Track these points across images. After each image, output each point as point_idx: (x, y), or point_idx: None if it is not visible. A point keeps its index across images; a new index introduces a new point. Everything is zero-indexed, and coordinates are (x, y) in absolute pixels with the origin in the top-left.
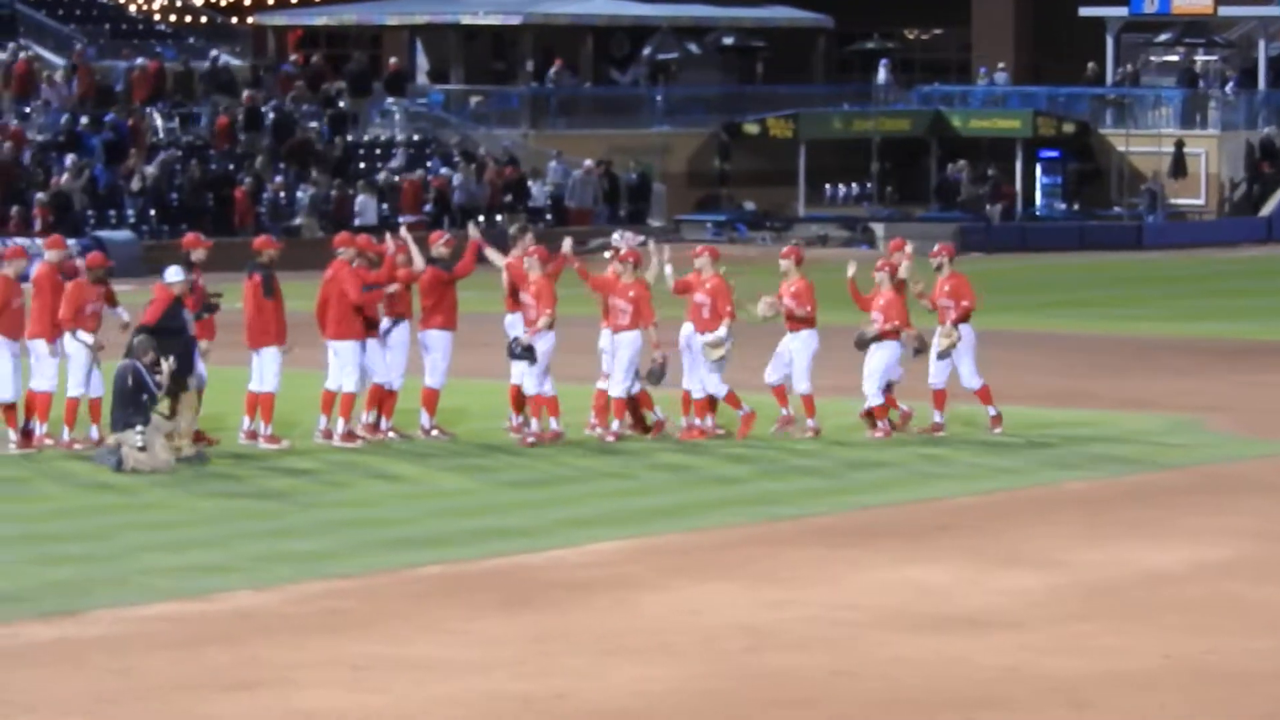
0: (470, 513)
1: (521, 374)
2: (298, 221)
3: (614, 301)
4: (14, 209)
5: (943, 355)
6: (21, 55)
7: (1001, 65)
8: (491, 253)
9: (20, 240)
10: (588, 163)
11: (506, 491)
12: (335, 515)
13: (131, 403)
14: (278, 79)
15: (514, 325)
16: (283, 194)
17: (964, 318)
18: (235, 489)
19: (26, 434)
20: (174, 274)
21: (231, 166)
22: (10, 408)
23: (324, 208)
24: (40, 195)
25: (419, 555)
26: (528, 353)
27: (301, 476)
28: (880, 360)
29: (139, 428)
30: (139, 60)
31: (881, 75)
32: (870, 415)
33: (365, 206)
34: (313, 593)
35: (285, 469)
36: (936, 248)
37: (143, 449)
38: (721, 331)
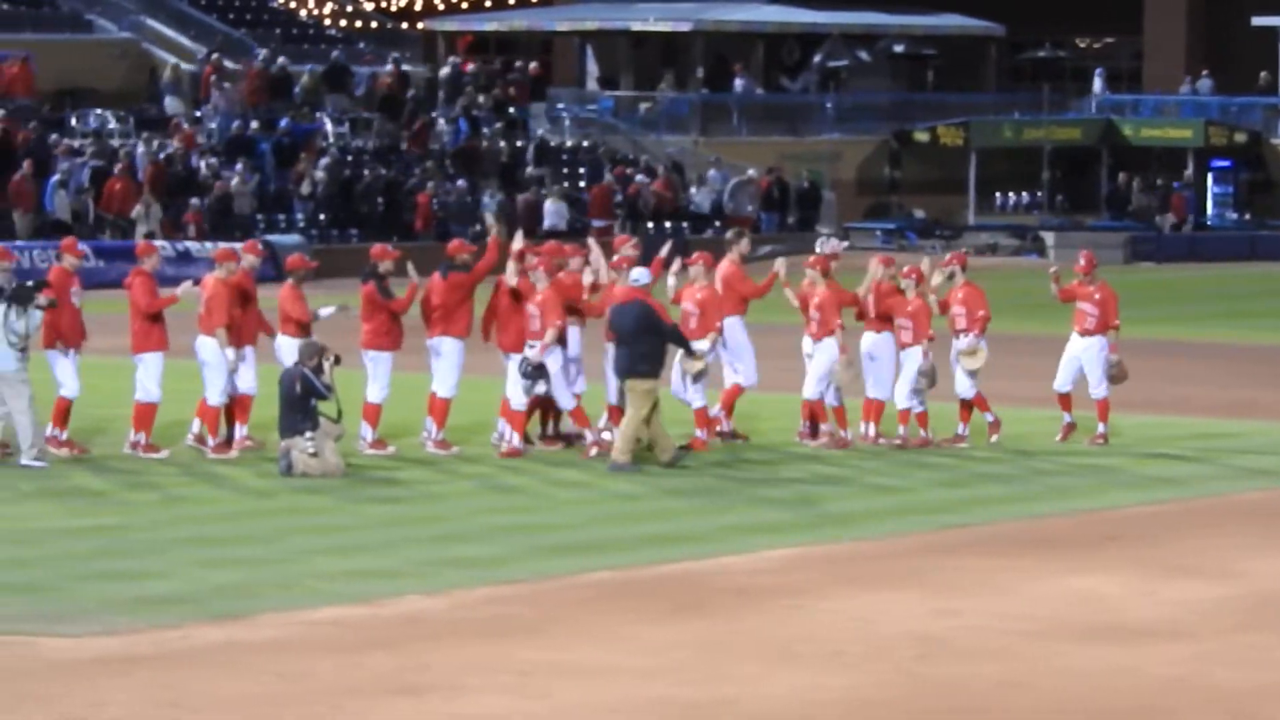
0: (637, 518)
1: (513, 387)
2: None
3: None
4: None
5: (974, 374)
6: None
7: (1205, 73)
8: (595, 256)
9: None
10: (751, 171)
11: (672, 498)
12: (501, 520)
13: (300, 408)
14: (448, 83)
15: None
16: (468, 198)
17: (982, 330)
18: (400, 494)
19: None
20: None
21: (401, 171)
22: (219, 410)
23: (510, 212)
24: (194, 200)
25: (586, 561)
26: (538, 372)
27: (464, 481)
28: (821, 362)
29: (309, 433)
30: (309, 65)
31: (1097, 85)
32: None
33: (555, 211)
34: (479, 598)
35: (449, 473)
36: (949, 256)
37: (314, 454)
38: (704, 344)
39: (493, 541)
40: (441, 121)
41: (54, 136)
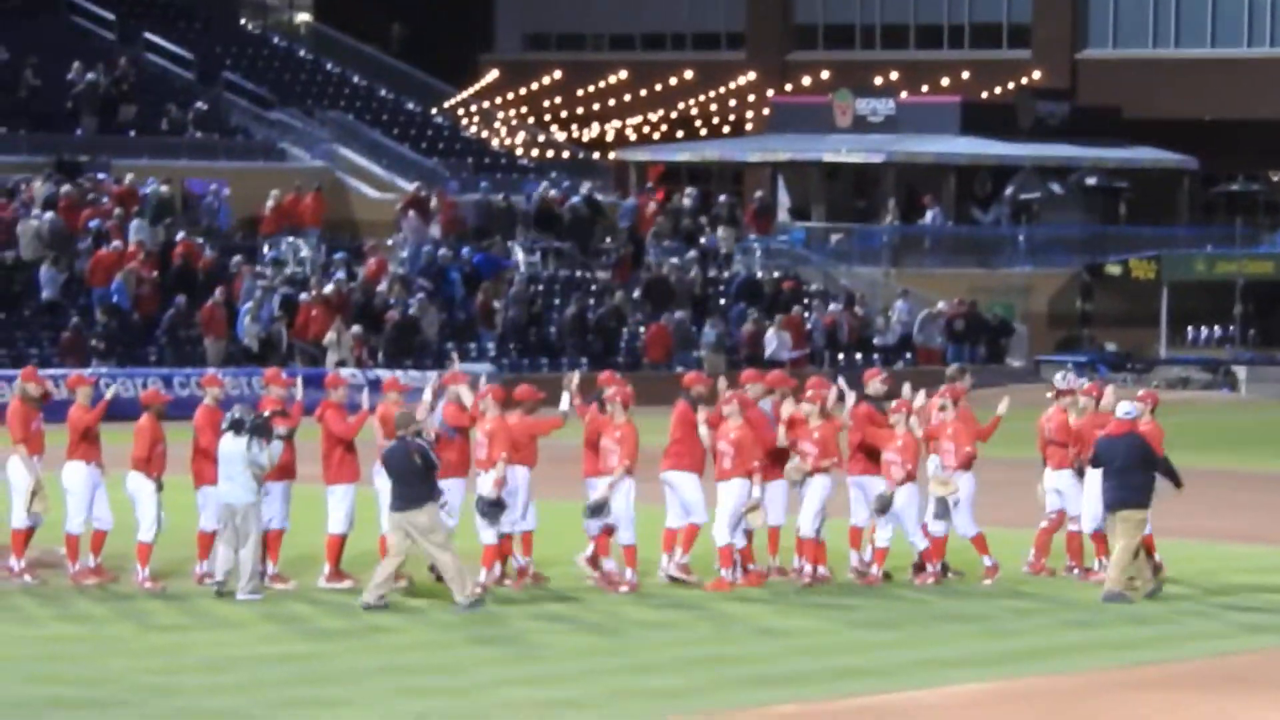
0: (823, 651)
1: (482, 528)
2: (699, 354)
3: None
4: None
5: (940, 504)
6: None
7: None
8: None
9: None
10: (940, 304)
11: (858, 631)
12: (689, 653)
13: (423, 478)
14: (640, 214)
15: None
16: (693, 328)
17: (966, 465)
18: (589, 622)
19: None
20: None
21: (589, 300)
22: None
23: (728, 342)
24: (356, 328)
25: (775, 694)
26: (494, 509)
27: (648, 609)
28: (815, 496)
29: (443, 501)
30: (500, 194)
31: None
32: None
33: (777, 340)
34: None
35: (630, 602)
36: (943, 389)
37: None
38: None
39: (680, 672)
40: (638, 252)
41: (237, 261)
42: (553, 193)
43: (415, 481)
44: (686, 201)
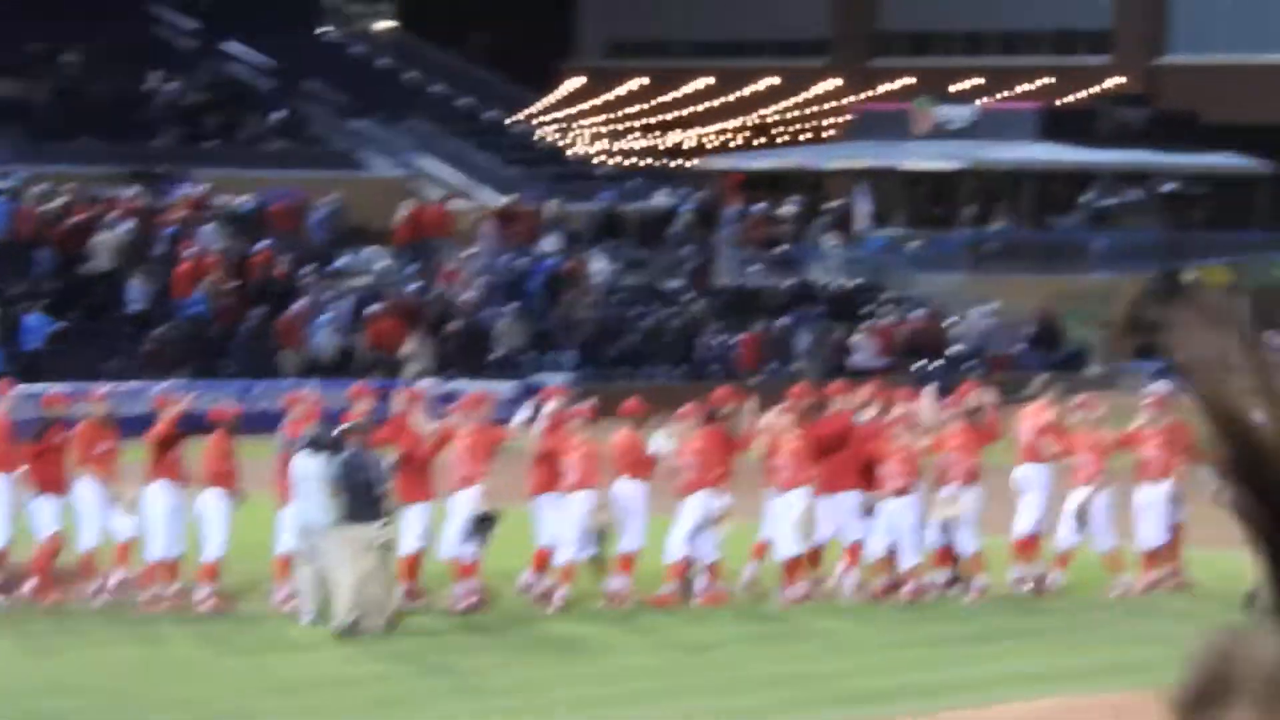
0: (898, 667)
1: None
2: (797, 365)
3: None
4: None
5: (949, 521)
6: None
7: None
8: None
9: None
10: (1013, 310)
11: (932, 646)
12: (769, 670)
13: (374, 494)
14: (720, 222)
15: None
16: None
17: (970, 480)
18: (675, 639)
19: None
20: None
21: (669, 309)
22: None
23: (821, 350)
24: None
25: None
26: (484, 524)
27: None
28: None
29: (386, 520)
30: (580, 202)
31: None
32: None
33: (862, 348)
34: None
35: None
36: (948, 400)
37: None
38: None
39: (754, 692)
40: (715, 260)
41: (308, 272)
42: (664, 202)
43: (365, 496)
44: (789, 209)
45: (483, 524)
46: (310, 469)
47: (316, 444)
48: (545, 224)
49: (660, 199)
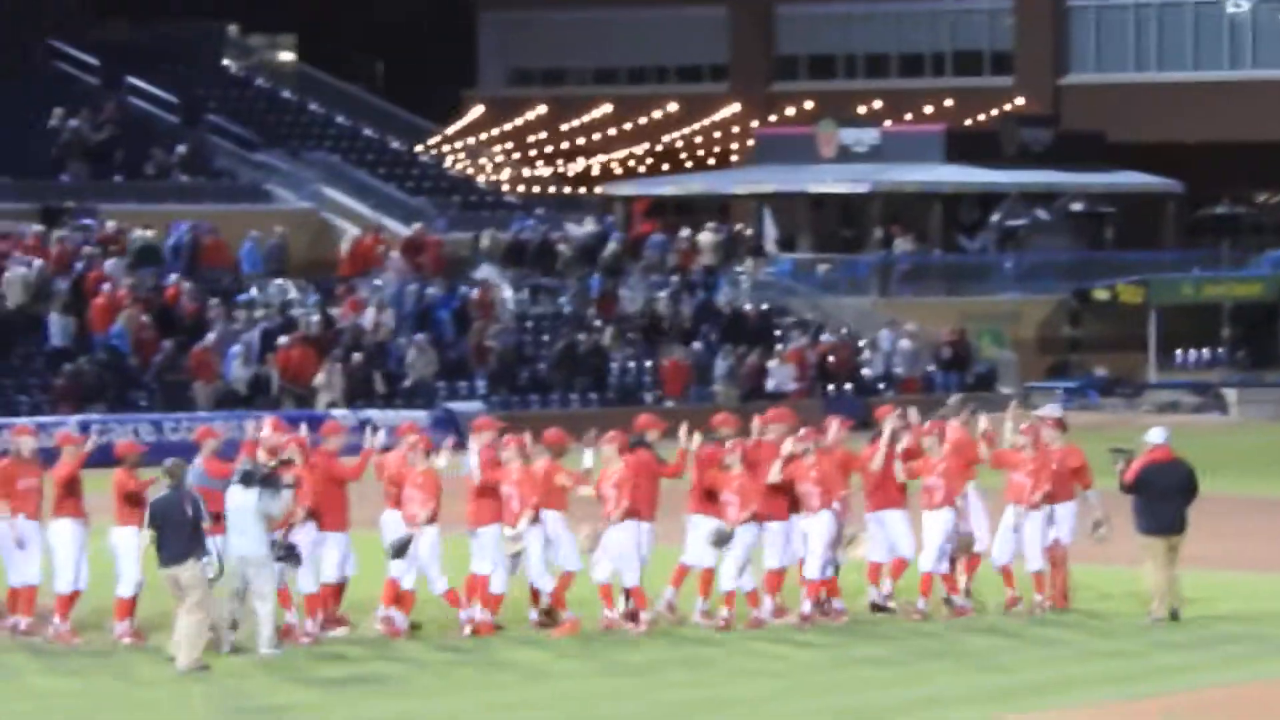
0: (826, 689)
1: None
2: (714, 389)
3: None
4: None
5: (848, 547)
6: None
7: None
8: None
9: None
10: (922, 332)
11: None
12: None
13: (192, 532)
14: (626, 248)
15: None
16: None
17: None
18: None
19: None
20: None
21: (577, 335)
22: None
23: (739, 373)
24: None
25: None
26: (290, 554)
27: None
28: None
29: (206, 559)
30: (486, 231)
31: None
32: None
33: (781, 373)
34: None
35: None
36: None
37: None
38: (522, 525)
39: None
40: (622, 286)
41: (214, 303)
42: (587, 229)
43: (184, 534)
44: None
45: (288, 554)
46: (243, 502)
47: (248, 478)
48: (452, 253)
49: (569, 226)
